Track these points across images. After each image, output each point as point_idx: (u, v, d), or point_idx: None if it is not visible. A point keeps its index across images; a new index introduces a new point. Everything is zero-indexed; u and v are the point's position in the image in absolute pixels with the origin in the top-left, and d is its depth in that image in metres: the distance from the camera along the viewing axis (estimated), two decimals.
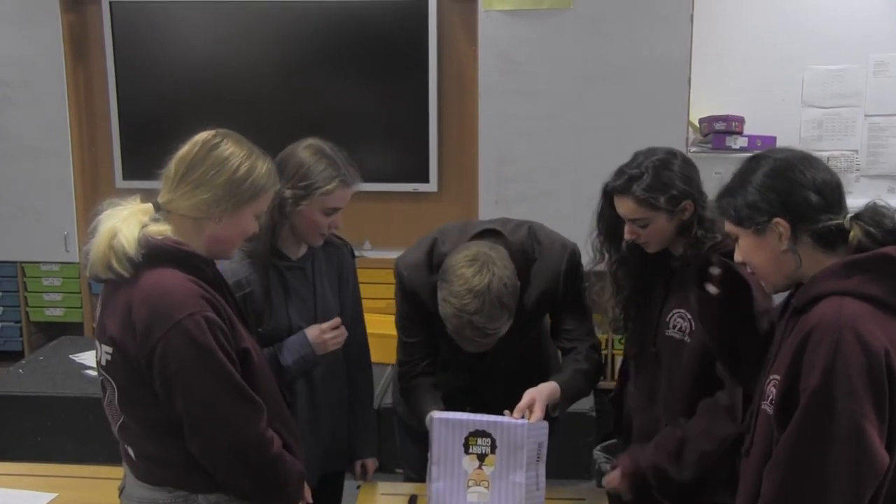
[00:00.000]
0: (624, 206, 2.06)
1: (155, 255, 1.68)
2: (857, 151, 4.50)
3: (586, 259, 2.25)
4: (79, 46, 4.62)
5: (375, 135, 4.53)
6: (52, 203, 4.57)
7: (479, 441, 2.05)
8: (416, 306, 2.24)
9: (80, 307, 4.74)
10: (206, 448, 1.72)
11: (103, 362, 1.75)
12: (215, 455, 1.72)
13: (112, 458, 2.01)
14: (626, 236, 2.10)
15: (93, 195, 4.62)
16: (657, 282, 2.16)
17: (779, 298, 1.79)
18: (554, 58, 4.16)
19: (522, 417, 2.03)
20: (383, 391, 3.54)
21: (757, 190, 1.61)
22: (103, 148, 4.72)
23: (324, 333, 2.17)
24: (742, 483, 1.69)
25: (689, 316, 2.04)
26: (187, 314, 1.65)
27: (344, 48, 4.44)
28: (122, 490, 1.88)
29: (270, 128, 4.18)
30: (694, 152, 4.21)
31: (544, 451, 2.06)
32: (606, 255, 2.20)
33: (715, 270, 1.80)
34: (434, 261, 2.18)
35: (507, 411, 2.06)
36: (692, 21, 4.08)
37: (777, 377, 1.56)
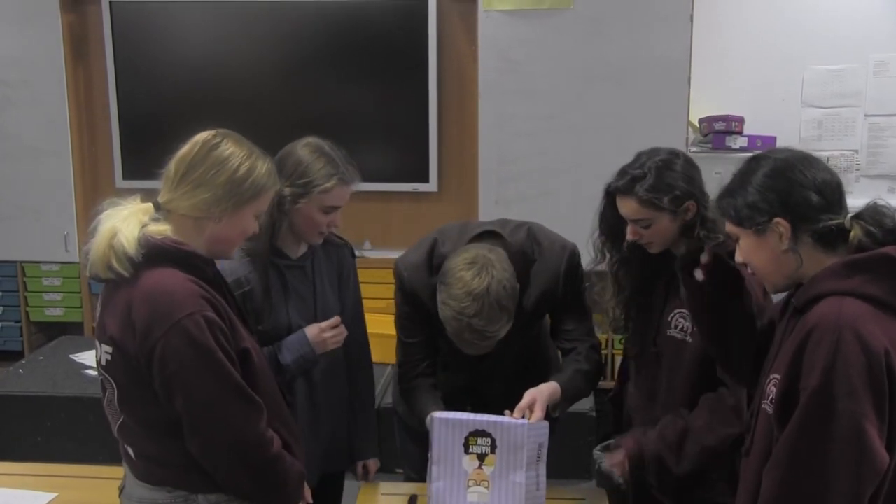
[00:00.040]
0: (627, 207, 2.06)
1: (155, 254, 1.68)
2: (856, 151, 4.50)
3: (587, 259, 2.25)
4: (79, 46, 4.62)
5: (375, 135, 4.53)
6: (52, 203, 4.57)
7: (480, 441, 2.05)
8: (416, 307, 2.24)
9: (80, 307, 4.74)
10: (206, 448, 1.72)
11: (103, 362, 1.75)
12: (215, 455, 1.72)
13: (112, 458, 2.01)
14: (629, 237, 2.09)
15: (93, 195, 4.62)
16: (658, 282, 2.16)
17: (776, 297, 1.79)
18: (554, 58, 4.16)
19: (523, 417, 2.04)
20: (383, 391, 3.54)
21: (757, 190, 1.60)
22: (103, 148, 4.72)
23: (323, 332, 2.17)
24: (742, 483, 1.69)
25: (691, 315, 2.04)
26: (187, 314, 1.65)
27: (344, 48, 4.44)
28: (122, 490, 1.88)
29: (270, 128, 4.17)
30: (694, 152, 4.21)
31: (545, 451, 2.06)
32: (608, 256, 2.20)
33: (704, 258, 1.80)
34: (434, 262, 2.18)
35: (507, 411, 2.06)
36: (692, 21, 4.08)
37: (777, 377, 1.56)
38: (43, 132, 4.52)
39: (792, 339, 1.55)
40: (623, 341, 2.42)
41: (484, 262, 2.01)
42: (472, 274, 1.99)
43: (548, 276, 2.21)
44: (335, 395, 2.35)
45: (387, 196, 4.57)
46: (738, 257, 1.69)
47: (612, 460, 2.16)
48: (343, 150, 2.21)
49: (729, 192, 1.67)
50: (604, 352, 2.31)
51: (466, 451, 2.06)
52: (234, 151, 1.75)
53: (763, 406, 1.62)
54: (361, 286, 2.43)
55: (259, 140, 1.83)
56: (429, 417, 2.11)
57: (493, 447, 2.05)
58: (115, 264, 1.66)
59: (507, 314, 2.02)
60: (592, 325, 2.33)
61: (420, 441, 2.24)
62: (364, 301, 2.45)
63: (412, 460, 2.47)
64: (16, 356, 4.50)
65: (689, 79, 4.12)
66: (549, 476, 2.08)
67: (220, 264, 1.86)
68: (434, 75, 4.42)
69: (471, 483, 2.06)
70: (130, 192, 1.81)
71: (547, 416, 2.07)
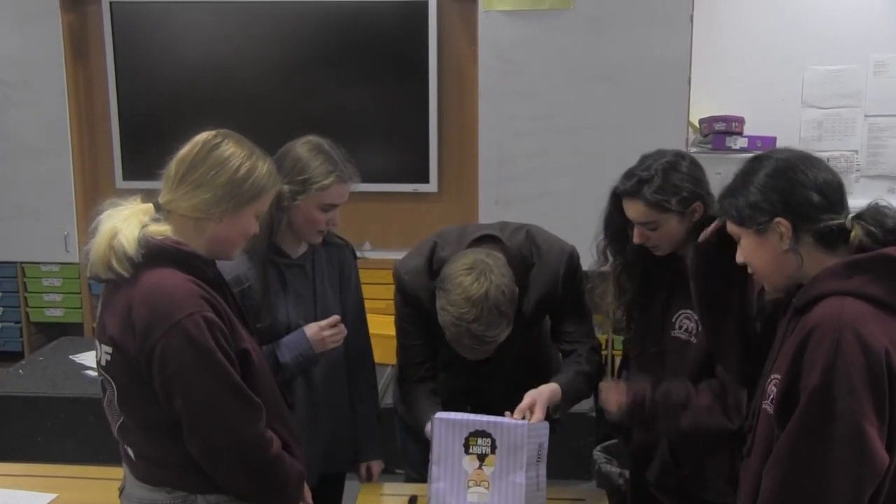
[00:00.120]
0: (634, 210, 2.05)
1: (155, 255, 1.68)
2: (856, 152, 4.51)
3: (588, 260, 2.24)
4: (79, 46, 4.62)
5: (375, 135, 4.54)
6: (52, 203, 4.58)
7: (480, 441, 2.05)
8: (416, 310, 2.24)
9: (80, 307, 4.74)
10: (205, 448, 1.71)
11: (103, 362, 1.75)
12: (214, 455, 1.72)
13: (112, 458, 2.00)
14: (635, 240, 2.08)
15: (93, 195, 4.62)
16: (661, 283, 2.16)
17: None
18: (554, 58, 4.16)
19: (523, 418, 2.04)
20: (383, 391, 3.53)
21: (759, 190, 1.61)
22: (103, 148, 4.72)
23: (322, 331, 2.17)
24: (742, 483, 1.69)
25: (696, 316, 2.04)
26: (187, 314, 1.64)
27: (344, 48, 4.44)
28: (122, 490, 1.88)
29: (270, 128, 4.16)
30: (694, 153, 4.19)
31: (545, 451, 2.06)
32: (611, 259, 2.19)
33: (716, 224, 1.79)
34: (434, 266, 2.18)
35: (507, 412, 2.06)
36: (692, 21, 4.08)
37: (778, 377, 1.56)
38: (43, 132, 4.52)
39: (792, 339, 1.55)
40: (623, 342, 2.42)
41: (482, 267, 2.01)
42: (471, 279, 1.99)
43: (547, 280, 2.21)
44: (335, 395, 2.35)
45: (387, 196, 4.57)
46: (739, 257, 1.69)
47: (614, 393, 2.14)
48: (342, 150, 2.22)
49: (730, 191, 1.67)
50: (603, 352, 2.30)
51: (466, 452, 2.06)
52: (234, 152, 1.75)
53: (764, 406, 1.62)
54: (362, 287, 2.43)
55: (259, 140, 1.83)
56: (428, 426, 2.11)
57: (494, 447, 2.04)
58: (115, 264, 1.66)
59: (506, 319, 2.02)
60: (593, 327, 2.33)
61: (421, 441, 2.24)
62: (364, 301, 2.45)
63: (413, 460, 2.46)
64: (16, 357, 4.50)
65: (689, 79, 4.12)
66: (549, 476, 2.08)
67: (220, 262, 1.86)
68: (434, 75, 4.42)
69: (471, 483, 2.06)
70: (130, 192, 1.81)
71: (547, 417, 2.07)
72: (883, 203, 1.60)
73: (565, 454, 3.21)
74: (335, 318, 2.20)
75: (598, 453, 3.10)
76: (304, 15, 4.46)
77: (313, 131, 2.25)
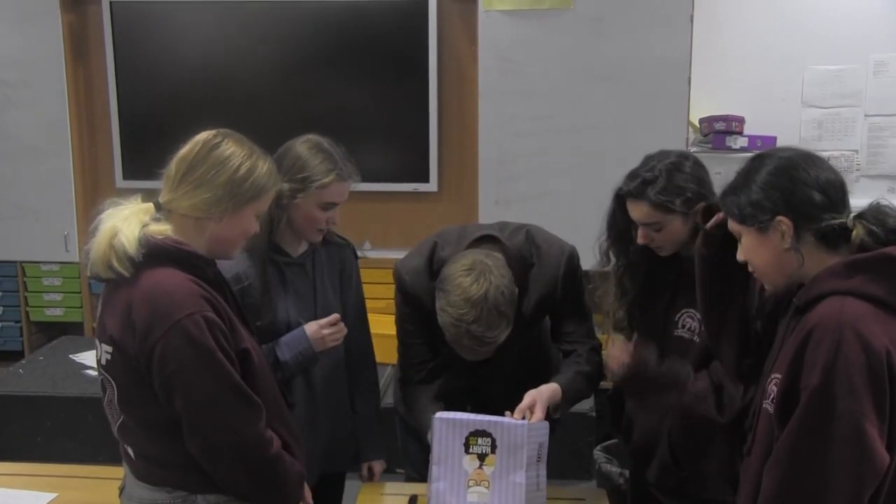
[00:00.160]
0: (638, 211, 2.05)
1: (155, 254, 1.68)
2: (857, 151, 4.50)
3: (589, 260, 2.24)
4: (79, 46, 4.61)
5: (375, 135, 4.53)
6: (52, 203, 4.57)
7: (480, 441, 2.05)
8: (417, 310, 2.24)
9: (80, 307, 4.74)
10: (205, 448, 1.71)
11: (103, 362, 1.75)
12: (214, 455, 1.72)
13: (112, 458, 2.01)
14: (639, 241, 2.08)
15: (93, 195, 4.62)
16: (665, 283, 2.16)
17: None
18: (554, 58, 4.16)
19: (523, 418, 2.03)
20: (384, 391, 3.53)
21: (761, 188, 1.61)
22: (103, 148, 4.72)
23: (322, 329, 2.17)
24: (743, 482, 1.69)
25: (699, 315, 2.04)
26: (187, 314, 1.65)
27: (344, 48, 4.44)
28: (122, 490, 1.88)
29: (270, 127, 4.15)
30: (694, 152, 4.20)
31: (545, 451, 2.06)
32: (614, 259, 2.19)
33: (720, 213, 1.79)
34: (434, 266, 2.18)
35: (507, 412, 2.06)
36: (692, 21, 4.08)
37: (778, 376, 1.56)
38: (43, 132, 4.51)
39: (793, 338, 1.55)
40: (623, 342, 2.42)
41: (482, 268, 2.01)
42: (471, 280, 1.99)
43: (546, 280, 2.21)
44: (335, 395, 2.35)
45: (387, 196, 4.57)
46: (740, 256, 1.69)
47: (619, 351, 2.15)
48: (342, 148, 2.22)
49: (732, 190, 1.67)
50: (603, 352, 2.31)
51: (467, 451, 2.06)
52: (234, 151, 1.75)
53: (764, 405, 1.62)
54: (362, 286, 2.43)
55: (259, 140, 1.83)
56: (429, 433, 2.11)
57: (494, 447, 2.04)
58: (115, 264, 1.66)
59: (505, 320, 2.02)
60: (593, 327, 2.33)
61: (421, 440, 2.24)
62: (365, 301, 2.45)
63: (413, 460, 2.47)
64: (16, 356, 4.49)
65: (689, 79, 4.12)
66: (549, 476, 2.08)
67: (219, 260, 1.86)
68: (434, 75, 4.42)
69: (471, 483, 2.06)
70: (131, 192, 1.81)
71: (547, 417, 2.07)
72: (884, 202, 1.60)
73: (565, 454, 3.21)
74: (335, 316, 2.20)
75: (598, 453, 3.11)
76: (304, 15, 4.45)
77: (313, 131, 2.25)
